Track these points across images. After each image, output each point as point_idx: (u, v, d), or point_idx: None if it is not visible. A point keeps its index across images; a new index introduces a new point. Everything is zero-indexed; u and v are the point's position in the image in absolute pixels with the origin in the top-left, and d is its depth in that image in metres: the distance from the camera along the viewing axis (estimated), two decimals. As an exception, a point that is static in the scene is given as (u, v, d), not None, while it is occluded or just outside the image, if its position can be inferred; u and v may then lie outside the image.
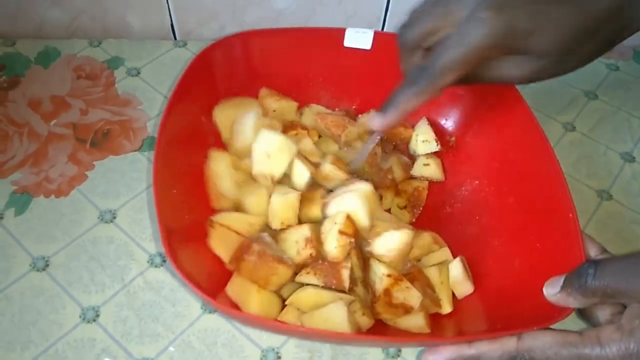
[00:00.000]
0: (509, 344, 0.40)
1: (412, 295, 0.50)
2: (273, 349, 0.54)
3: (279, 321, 0.48)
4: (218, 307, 0.44)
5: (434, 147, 0.64)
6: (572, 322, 0.44)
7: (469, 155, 0.63)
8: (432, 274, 0.54)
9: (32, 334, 0.53)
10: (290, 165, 0.56)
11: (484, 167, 0.61)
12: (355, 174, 0.59)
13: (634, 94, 0.81)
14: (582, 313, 0.43)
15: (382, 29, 0.84)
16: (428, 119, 0.66)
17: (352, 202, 0.52)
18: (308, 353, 0.54)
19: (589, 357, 0.37)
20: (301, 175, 0.56)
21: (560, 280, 0.42)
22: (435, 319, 0.52)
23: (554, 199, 0.50)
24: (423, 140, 0.64)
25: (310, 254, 0.51)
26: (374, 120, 0.47)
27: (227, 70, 0.61)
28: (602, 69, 0.84)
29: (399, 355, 0.54)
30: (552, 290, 0.43)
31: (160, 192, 0.47)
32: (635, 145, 0.75)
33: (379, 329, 0.50)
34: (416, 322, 0.50)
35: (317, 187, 0.57)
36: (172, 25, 0.80)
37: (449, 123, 0.66)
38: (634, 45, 0.88)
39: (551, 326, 0.42)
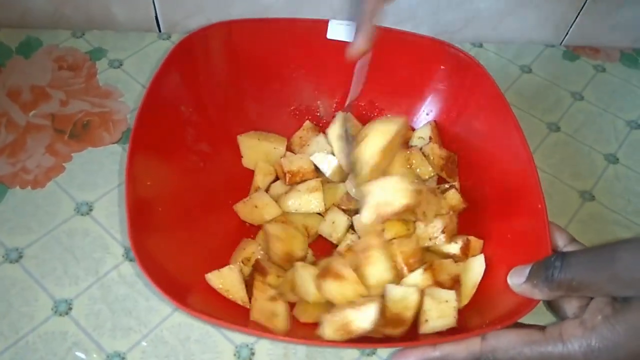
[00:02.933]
0: (473, 345, 0.40)
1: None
2: (247, 345, 0.53)
3: (248, 328, 0.46)
4: (183, 309, 0.43)
5: (426, 143, 0.63)
6: (543, 315, 0.44)
7: (447, 148, 0.63)
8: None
9: (2, 326, 0.52)
10: None
11: (461, 160, 0.61)
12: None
13: (620, 95, 0.81)
14: (551, 305, 0.43)
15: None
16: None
17: None
18: (283, 350, 0.53)
19: (551, 355, 0.37)
20: None
21: (525, 270, 0.42)
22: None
23: (524, 190, 0.50)
24: (419, 137, 0.64)
25: None
26: (353, 48, 0.49)
27: (208, 59, 0.60)
28: (589, 70, 0.84)
29: (374, 353, 0.54)
30: (517, 281, 0.42)
31: (132, 183, 0.47)
32: (619, 146, 0.74)
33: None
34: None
35: None
36: (156, 17, 0.79)
37: (429, 117, 0.66)
38: (622, 47, 0.88)
39: (519, 319, 0.42)
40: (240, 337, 0.53)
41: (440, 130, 0.65)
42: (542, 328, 0.39)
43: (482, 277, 0.50)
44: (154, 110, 0.53)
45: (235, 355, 0.52)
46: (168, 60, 0.56)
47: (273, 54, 0.64)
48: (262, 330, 0.46)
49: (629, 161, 0.73)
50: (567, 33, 0.86)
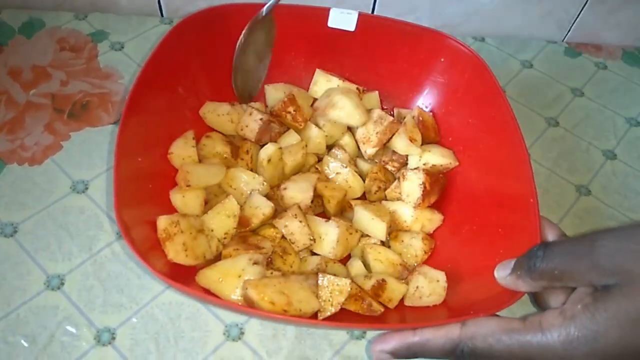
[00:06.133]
0: (452, 331, 0.40)
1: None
2: (237, 325, 0.53)
3: (237, 304, 0.46)
4: (174, 285, 0.43)
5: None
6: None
7: (443, 140, 0.63)
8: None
9: (-7, 299, 0.53)
10: None
11: (457, 153, 0.60)
12: None
13: (620, 93, 0.81)
14: (537, 300, 0.42)
15: (372, 12, 0.83)
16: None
17: None
18: (272, 330, 0.53)
19: (530, 343, 0.36)
20: None
21: (510, 263, 0.42)
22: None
23: (518, 185, 0.50)
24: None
25: None
26: None
27: (207, 42, 0.60)
28: (591, 66, 0.84)
29: (363, 337, 0.54)
30: (502, 273, 0.42)
31: (122, 158, 0.47)
32: (618, 143, 0.74)
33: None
34: None
35: None
36: (159, 2, 0.80)
37: (427, 110, 0.66)
38: (624, 45, 0.87)
39: (501, 312, 0.41)
40: (230, 317, 0.54)
41: (438, 122, 0.64)
42: (523, 318, 0.39)
43: (470, 271, 0.50)
44: (149, 88, 0.53)
45: (224, 334, 0.53)
46: (165, 40, 0.56)
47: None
48: (249, 308, 0.45)
49: (627, 158, 0.72)
50: (569, 30, 0.86)
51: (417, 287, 0.50)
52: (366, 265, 0.54)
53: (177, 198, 0.53)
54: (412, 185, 0.56)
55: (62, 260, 0.56)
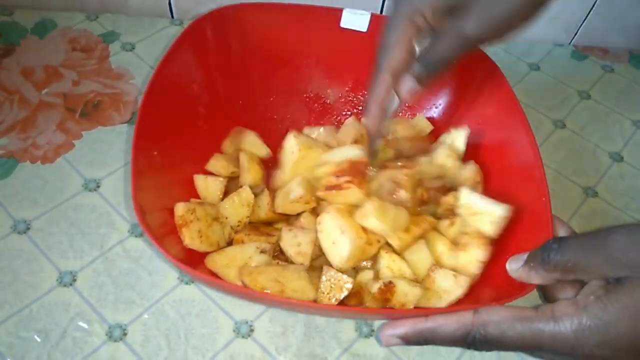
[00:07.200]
0: (464, 317, 0.40)
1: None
2: (246, 322, 0.54)
3: (256, 291, 0.46)
4: (182, 267, 0.43)
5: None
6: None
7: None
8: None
9: (7, 295, 0.53)
10: None
11: (468, 153, 0.61)
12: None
13: (627, 96, 0.81)
14: (547, 296, 0.42)
15: (381, 12, 0.84)
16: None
17: None
18: (281, 328, 0.54)
19: (542, 331, 0.37)
20: None
21: (524, 256, 0.42)
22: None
23: (530, 183, 0.50)
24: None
25: None
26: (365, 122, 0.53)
27: (218, 41, 0.61)
28: (597, 69, 0.84)
29: (372, 335, 0.54)
30: (515, 266, 0.43)
31: (139, 150, 0.48)
32: (625, 145, 0.75)
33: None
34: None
35: None
36: (169, 3, 0.81)
37: (438, 110, 0.66)
38: (630, 49, 0.88)
39: (511, 303, 0.42)
40: (240, 314, 0.54)
41: (448, 123, 0.65)
42: (535, 307, 0.39)
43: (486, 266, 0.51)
44: (164, 85, 0.54)
45: (234, 331, 0.53)
46: (180, 39, 0.57)
47: (284, 40, 0.65)
48: (267, 295, 0.46)
49: (634, 160, 0.73)
50: (576, 33, 0.87)
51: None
52: (376, 268, 0.51)
53: (199, 179, 0.56)
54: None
55: (74, 258, 0.56)
